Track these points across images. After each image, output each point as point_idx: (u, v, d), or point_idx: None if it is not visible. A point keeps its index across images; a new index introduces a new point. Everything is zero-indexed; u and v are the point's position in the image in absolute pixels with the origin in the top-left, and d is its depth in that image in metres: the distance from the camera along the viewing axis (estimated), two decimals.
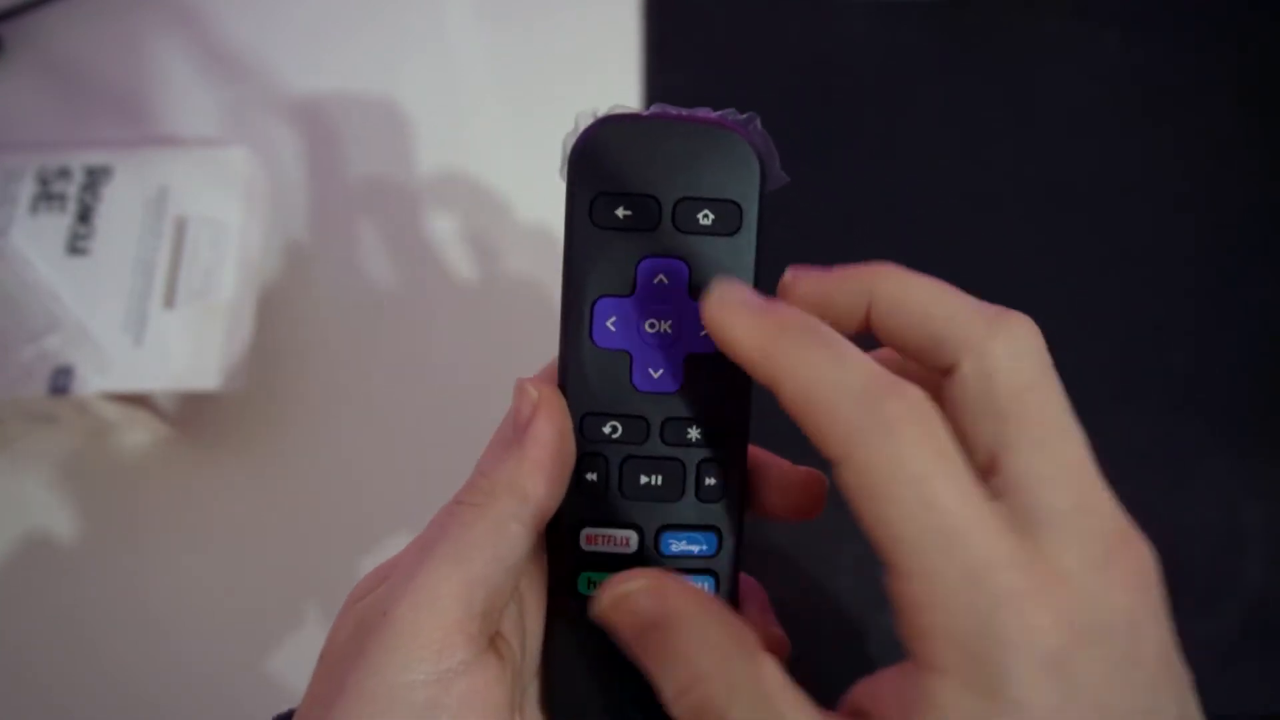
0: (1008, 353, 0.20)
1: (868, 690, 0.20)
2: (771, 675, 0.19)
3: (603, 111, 0.23)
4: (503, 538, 0.22)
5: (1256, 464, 0.46)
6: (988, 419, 0.20)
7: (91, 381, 0.42)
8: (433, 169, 0.52)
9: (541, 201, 0.50)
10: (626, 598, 0.20)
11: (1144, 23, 0.55)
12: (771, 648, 0.22)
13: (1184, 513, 0.45)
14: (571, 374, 0.23)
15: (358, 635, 0.21)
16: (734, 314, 0.21)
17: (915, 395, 0.19)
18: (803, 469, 0.25)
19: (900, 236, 0.51)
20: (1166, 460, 0.46)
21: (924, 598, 0.18)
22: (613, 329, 0.23)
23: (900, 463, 0.18)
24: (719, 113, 0.23)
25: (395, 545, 0.45)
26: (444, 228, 0.50)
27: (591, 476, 0.23)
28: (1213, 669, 0.43)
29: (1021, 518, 0.19)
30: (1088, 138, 0.53)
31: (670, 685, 0.20)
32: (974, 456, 0.20)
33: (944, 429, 0.19)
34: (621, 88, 0.53)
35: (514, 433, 0.23)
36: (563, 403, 0.23)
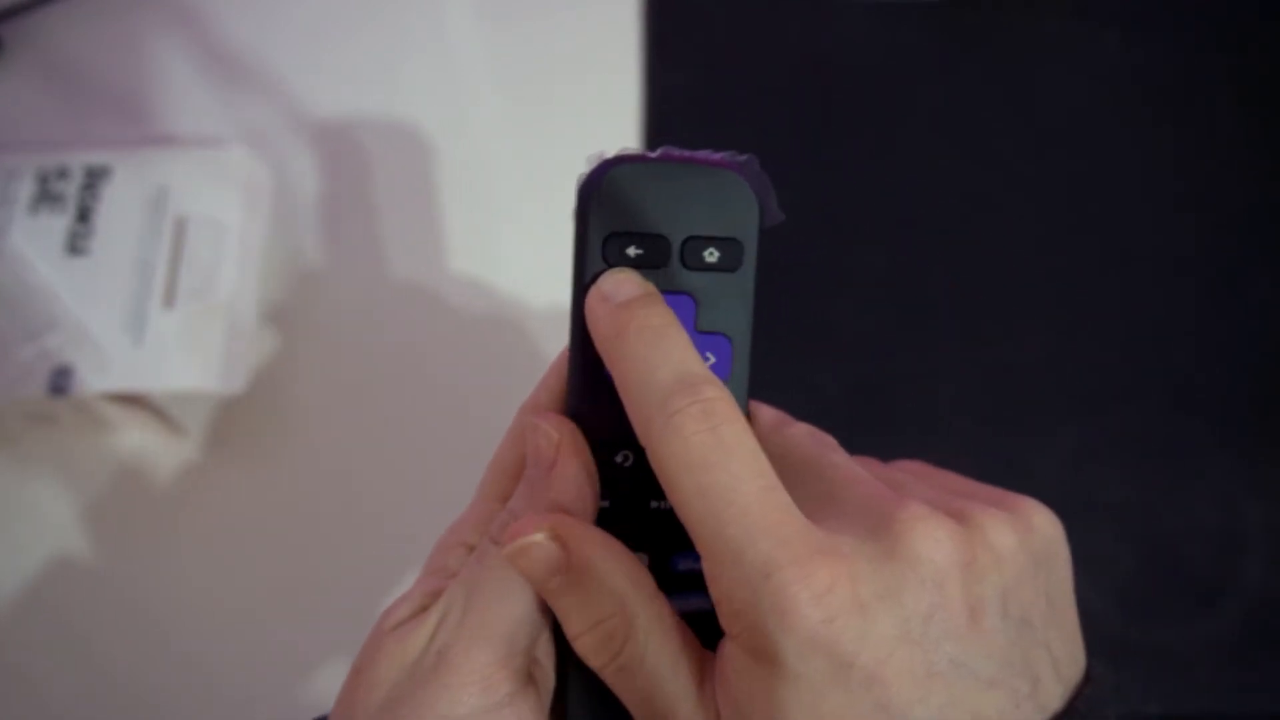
0: (782, 435, 0.25)
1: (716, 659, 0.22)
2: (668, 612, 0.22)
3: (611, 153, 0.24)
4: None
5: (1256, 464, 0.46)
6: (782, 476, 0.22)
7: (91, 381, 0.42)
8: (433, 169, 0.52)
9: (542, 201, 0.50)
10: (530, 547, 0.22)
11: (1144, 23, 0.55)
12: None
13: (1184, 513, 0.45)
14: (583, 403, 0.24)
15: (413, 671, 0.22)
16: (599, 304, 0.23)
17: (706, 394, 0.21)
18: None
19: (900, 236, 0.51)
20: (1166, 460, 0.46)
21: (709, 571, 0.20)
22: None
23: (681, 452, 0.20)
24: (720, 154, 0.25)
25: (393, 546, 0.46)
26: (444, 228, 0.50)
27: (605, 503, 0.24)
28: (1213, 669, 0.43)
29: (811, 509, 0.21)
30: (1088, 138, 0.53)
31: (576, 623, 0.22)
32: None
33: (732, 425, 0.21)
34: (621, 88, 0.53)
35: (538, 472, 0.24)
36: (583, 442, 0.24)
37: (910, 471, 0.26)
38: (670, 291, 0.24)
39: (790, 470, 0.22)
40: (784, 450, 0.24)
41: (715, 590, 0.20)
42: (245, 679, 0.44)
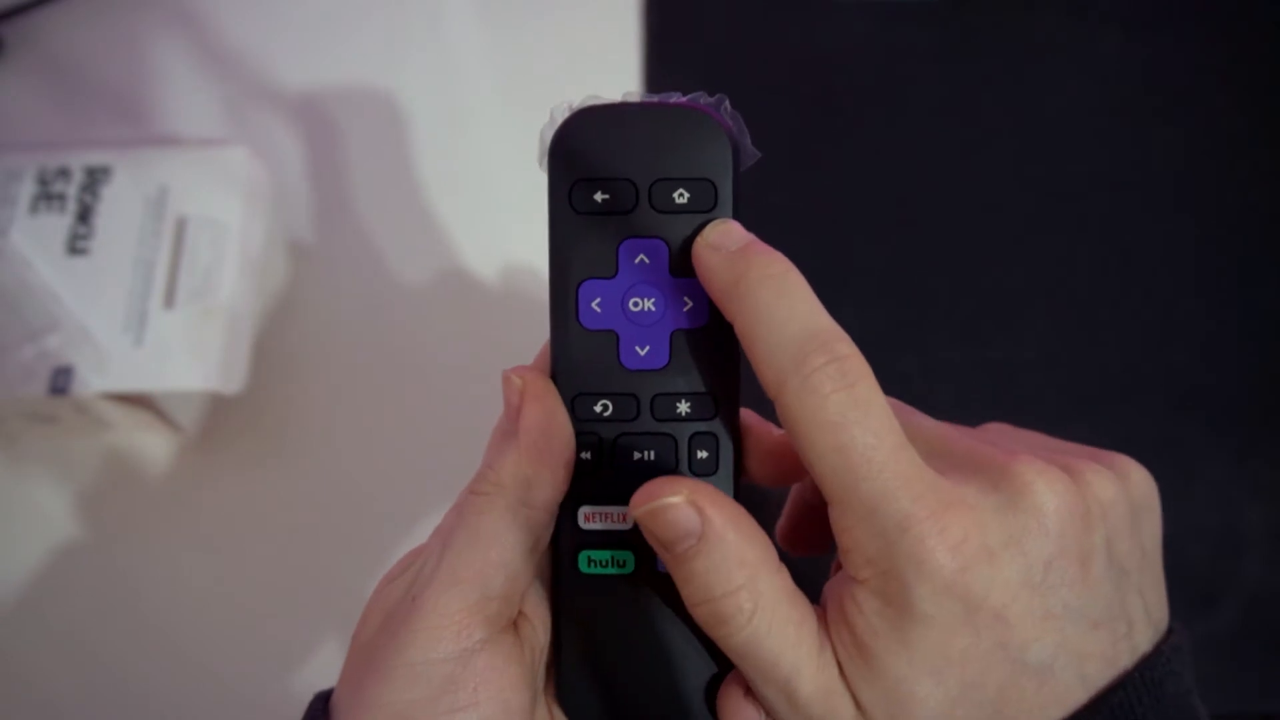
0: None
1: (829, 591, 0.23)
2: (791, 588, 0.22)
3: (577, 103, 0.24)
4: (515, 523, 0.23)
5: (1256, 464, 0.46)
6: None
7: (91, 381, 0.42)
8: (433, 168, 0.52)
9: (542, 200, 0.50)
10: (665, 510, 0.21)
11: (1144, 22, 0.55)
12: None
13: (1184, 513, 0.45)
14: (561, 357, 0.24)
15: (387, 620, 0.23)
16: (711, 254, 0.23)
17: (842, 350, 0.21)
18: (780, 434, 0.25)
19: (900, 236, 0.51)
20: (1166, 460, 0.46)
21: (841, 521, 0.21)
22: (598, 310, 0.24)
23: (817, 410, 0.21)
24: (689, 96, 0.24)
25: (394, 543, 0.46)
26: (444, 227, 0.50)
27: (586, 455, 0.24)
28: (1213, 669, 0.43)
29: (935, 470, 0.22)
30: (1087, 137, 0.53)
31: (698, 590, 0.22)
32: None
33: (866, 382, 0.21)
34: (621, 88, 0.53)
35: (508, 422, 0.24)
36: (549, 385, 0.24)
37: (997, 431, 0.27)
38: (641, 236, 0.23)
39: None
40: None
41: (845, 539, 0.21)
42: (245, 677, 0.44)
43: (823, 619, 0.22)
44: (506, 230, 0.50)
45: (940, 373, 0.48)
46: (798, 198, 0.50)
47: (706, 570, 0.21)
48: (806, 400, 0.21)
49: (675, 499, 0.21)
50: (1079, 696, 0.21)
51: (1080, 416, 0.47)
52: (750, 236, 0.23)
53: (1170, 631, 0.23)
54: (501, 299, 0.49)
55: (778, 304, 0.22)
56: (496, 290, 0.50)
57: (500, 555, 0.23)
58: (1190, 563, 0.45)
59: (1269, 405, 0.48)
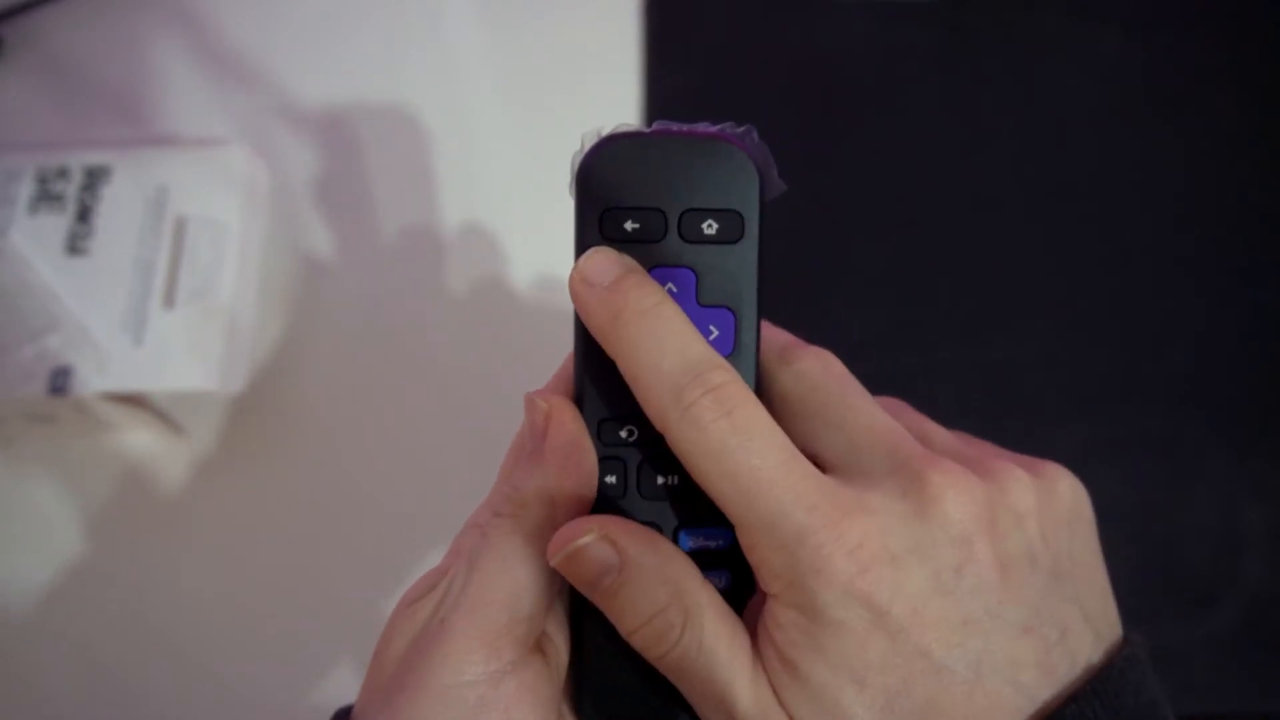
0: (792, 373, 0.24)
1: (751, 611, 0.23)
2: (717, 600, 0.22)
3: (607, 130, 0.24)
4: (541, 545, 0.23)
5: (1256, 464, 0.46)
6: (799, 423, 0.23)
7: (91, 382, 0.42)
8: (433, 168, 0.52)
9: (543, 201, 0.50)
10: (580, 551, 0.22)
11: (1144, 22, 0.55)
12: None
13: (1184, 513, 0.45)
14: (587, 382, 0.24)
15: (418, 641, 0.23)
16: (585, 290, 0.23)
17: (716, 379, 0.21)
18: None
19: (900, 237, 0.51)
20: (1166, 460, 0.46)
21: (746, 541, 0.22)
22: None
23: (701, 441, 0.21)
24: (718, 126, 0.24)
25: (396, 545, 0.45)
26: (444, 227, 0.50)
27: (610, 479, 0.24)
28: (1212, 668, 0.43)
29: (842, 474, 0.22)
30: (1088, 137, 0.53)
31: (630, 619, 0.22)
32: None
33: (745, 408, 0.21)
34: (622, 88, 0.53)
35: (533, 444, 0.24)
36: (573, 410, 0.24)
37: (935, 434, 0.26)
38: (670, 266, 0.24)
39: (809, 415, 0.23)
40: (800, 391, 0.24)
41: (752, 558, 0.21)
42: (245, 678, 0.44)
43: (753, 641, 0.22)
44: (506, 230, 0.50)
45: (940, 373, 0.48)
46: (797, 198, 0.50)
47: (633, 597, 0.22)
48: (689, 433, 0.21)
49: (586, 539, 0.22)
50: (1019, 705, 0.21)
51: (1080, 416, 0.47)
52: (625, 267, 0.23)
53: (1125, 642, 0.23)
54: (501, 299, 0.49)
55: (651, 340, 0.22)
56: (496, 290, 0.50)
57: (527, 577, 0.23)
58: (1190, 563, 0.45)
59: (1269, 405, 0.48)
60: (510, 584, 0.23)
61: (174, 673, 0.44)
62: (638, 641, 0.22)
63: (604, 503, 0.24)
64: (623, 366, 0.22)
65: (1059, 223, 0.51)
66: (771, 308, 0.24)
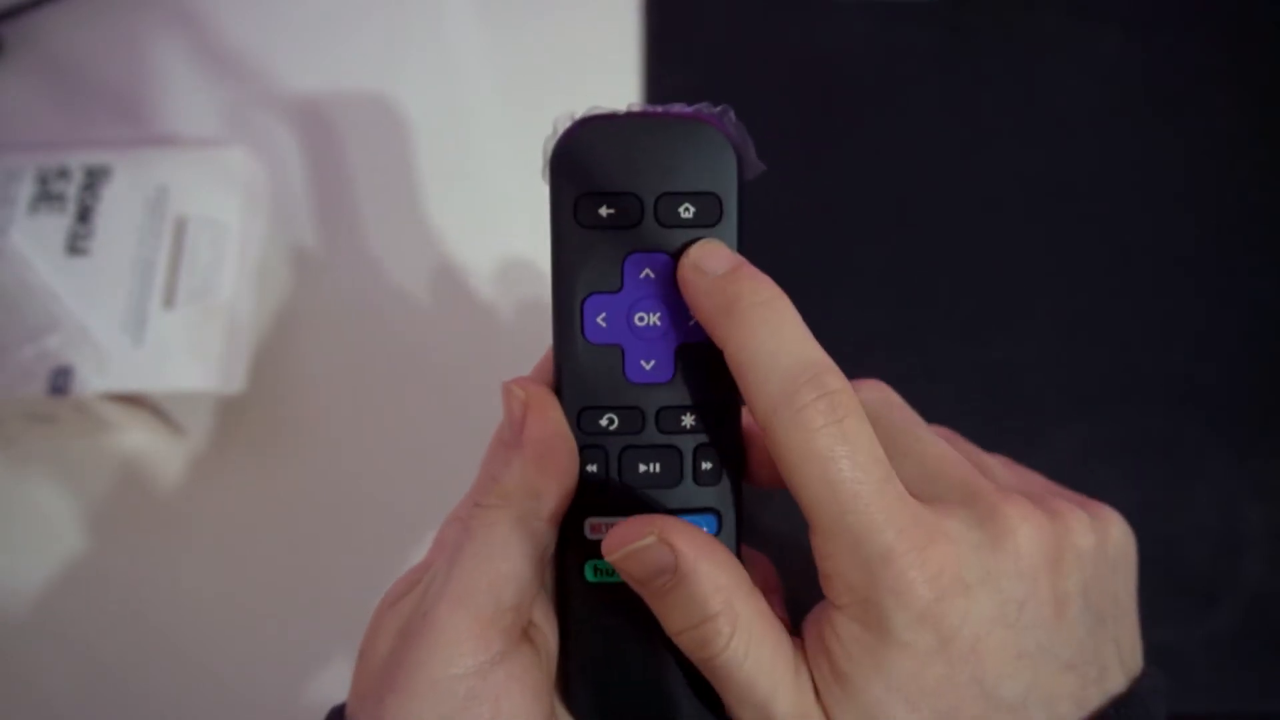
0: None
1: (809, 619, 0.23)
2: (766, 611, 0.22)
3: (580, 113, 0.24)
4: (524, 535, 0.23)
5: (1256, 464, 0.46)
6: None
7: (91, 382, 0.42)
8: (433, 168, 0.52)
9: (542, 201, 0.50)
10: (640, 552, 0.22)
11: (1144, 21, 0.55)
12: None
13: (1184, 513, 0.45)
14: (567, 371, 0.24)
15: (403, 636, 0.23)
16: (699, 278, 0.23)
17: (832, 384, 0.21)
18: None
19: (900, 237, 0.51)
20: (1166, 460, 0.46)
21: (824, 549, 0.22)
22: (603, 325, 0.24)
23: (806, 443, 0.21)
24: (693, 107, 0.24)
25: (396, 544, 0.46)
26: (444, 227, 0.50)
27: (592, 468, 0.24)
28: (1213, 669, 0.43)
29: (923, 497, 0.22)
30: (1088, 137, 0.53)
31: (678, 621, 0.22)
32: None
33: (854, 417, 0.22)
34: (621, 88, 0.53)
35: (512, 434, 0.24)
36: (551, 397, 0.24)
37: (998, 464, 0.27)
38: (647, 250, 0.23)
39: (880, 443, 0.23)
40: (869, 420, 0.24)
41: (825, 565, 0.22)
42: (245, 678, 0.44)
43: (800, 646, 0.23)
44: (506, 230, 0.51)
45: (940, 373, 0.48)
46: (797, 198, 0.50)
47: (684, 601, 0.22)
48: (796, 433, 0.21)
49: (648, 540, 0.22)
50: None
51: (1080, 416, 0.47)
52: (738, 259, 0.23)
53: (1144, 674, 0.24)
54: (501, 299, 0.49)
55: (769, 333, 0.22)
56: (496, 290, 0.50)
57: (511, 567, 0.23)
58: (1190, 563, 0.45)
59: (1269, 405, 0.48)
60: (495, 574, 0.23)
61: (174, 673, 0.44)
62: (683, 642, 0.22)
63: (585, 491, 0.24)
64: (734, 355, 0.22)
65: (1059, 223, 0.51)
66: None
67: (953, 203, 0.51)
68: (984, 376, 0.48)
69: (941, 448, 0.24)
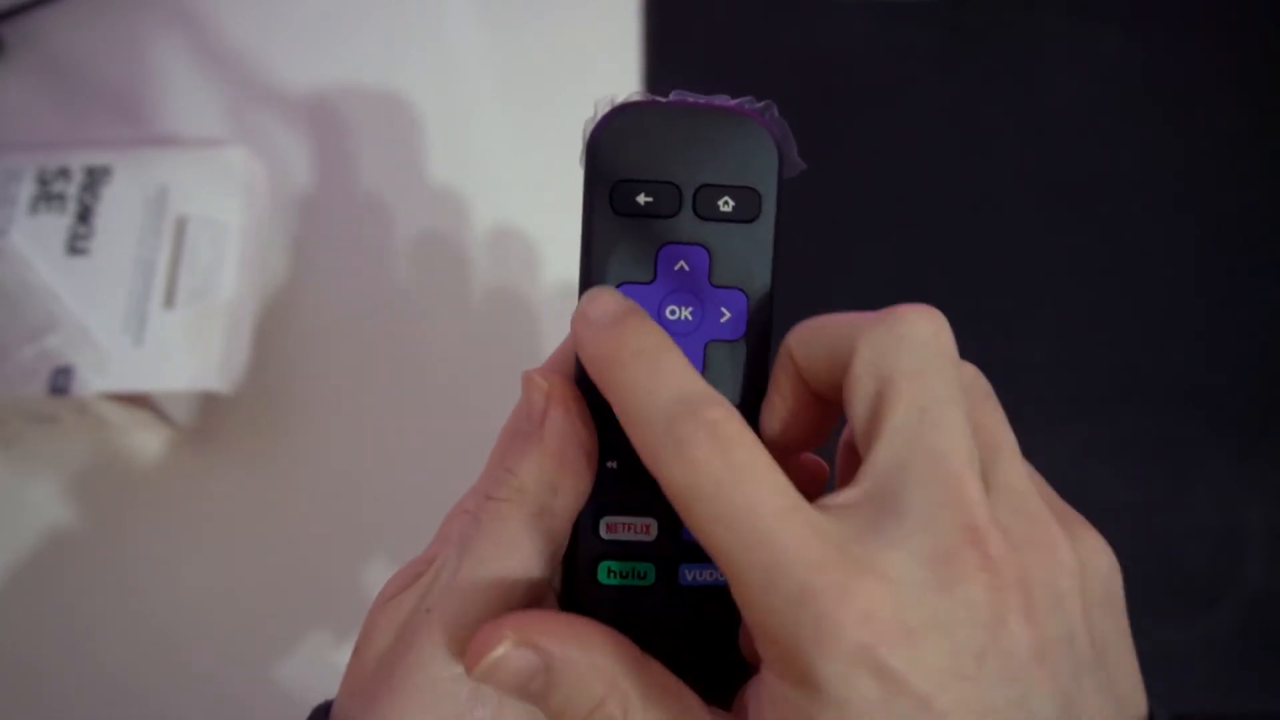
0: (889, 340, 0.20)
1: (749, 686, 0.21)
2: (661, 681, 0.20)
3: (621, 98, 0.23)
4: (538, 531, 0.22)
5: (1256, 464, 0.46)
6: (864, 408, 0.20)
7: (91, 382, 0.42)
8: (433, 168, 0.52)
9: (543, 200, 0.50)
10: (500, 662, 0.20)
11: (1144, 22, 0.55)
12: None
13: (1184, 513, 0.45)
14: None
15: (403, 632, 0.22)
16: (584, 330, 0.21)
17: (711, 416, 0.19)
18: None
19: (901, 237, 0.51)
20: (1166, 460, 0.46)
21: (739, 598, 0.19)
22: None
23: (693, 483, 0.19)
24: (737, 100, 0.24)
25: (395, 545, 0.45)
26: (444, 226, 0.50)
27: (611, 464, 0.23)
28: (1213, 669, 0.43)
29: (872, 508, 0.19)
30: (1088, 137, 0.53)
31: (571, 718, 0.20)
32: (860, 449, 0.20)
33: (742, 445, 0.19)
34: (621, 88, 0.53)
35: (530, 426, 0.23)
36: (574, 391, 0.23)
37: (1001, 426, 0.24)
38: (682, 243, 0.23)
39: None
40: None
41: (748, 618, 0.19)
42: (245, 677, 0.44)
43: (712, 712, 0.21)
44: (507, 230, 0.50)
45: None
46: (798, 198, 0.50)
47: (567, 697, 0.20)
48: (680, 470, 0.19)
49: (502, 649, 0.20)
50: None
51: (1080, 416, 0.47)
52: (627, 307, 0.21)
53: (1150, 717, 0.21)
54: (502, 298, 0.49)
55: (647, 378, 0.20)
56: (496, 290, 0.50)
57: (522, 563, 0.22)
58: (1190, 563, 0.45)
59: (1269, 405, 0.48)
60: (506, 571, 0.21)
61: (174, 670, 0.44)
62: None
63: (602, 489, 0.23)
64: (615, 404, 0.21)
65: (1059, 222, 0.51)
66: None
67: (953, 203, 0.51)
68: (984, 376, 0.48)
69: (921, 458, 0.20)
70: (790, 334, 0.23)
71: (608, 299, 0.22)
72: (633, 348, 0.21)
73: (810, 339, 0.22)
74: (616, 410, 0.21)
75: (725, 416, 0.19)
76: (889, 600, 0.18)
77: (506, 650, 0.20)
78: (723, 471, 0.19)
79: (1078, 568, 0.20)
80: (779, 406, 0.23)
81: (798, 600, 0.18)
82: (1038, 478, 0.22)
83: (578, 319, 0.22)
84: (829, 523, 0.19)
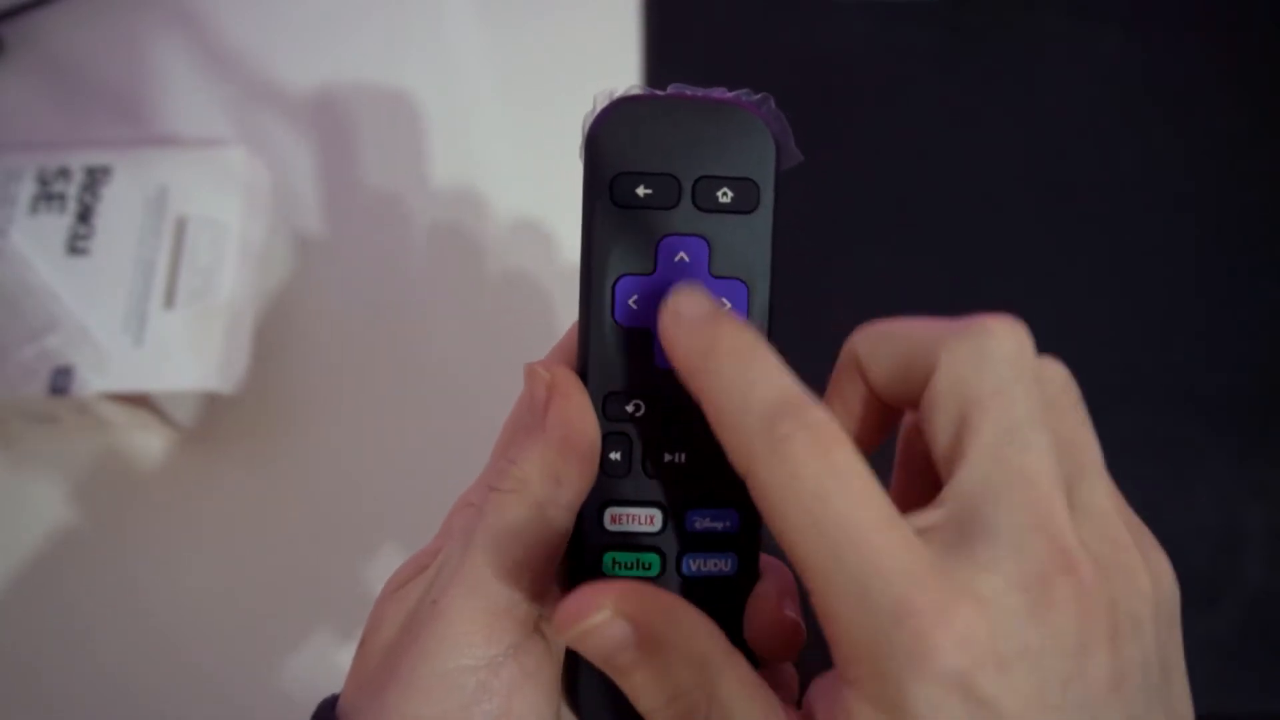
0: (973, 357, 0.20)
1: (816, 689, 0.20)
2: (747, 678, 0.20)
3: (620, 92, 0.23)
4: (542, 522, 0.22)
5: (1256, 464, 0.46)
6: (948, 426, 0.20)
7: (91, 382, 0.42)
8: (433, 168, 0.52)
9: (543, 199, 0.50)
10: (595, 630, 0.20)
11: (1144, 22, 0.55)
12: (785, 633, 0.23)
13: (1184, 513, 0.45)
14: (593, 353, 0.23)
15: (409, 624, 0.22)
16: (675, 326, 0.21)
17: (814, 417, 0.19)
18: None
19: (901, 237, 0.51)
20: (1166, 460, 0.46)
21: (826, 609, 0.18)
22: (634, 307, 0.23)
23: (790, 482, 0.18)
24: (734, 93, 0.24)
25: (396, 545, 0.45)
26: (444, 226, 0.50)
27: (615, 455, 0.23)
28: (1213, 669, 0.43)
29: (957, 531, 0.19)
30: (1088, 137, 0.53)
31: (651, 697, 0.20)
32: (940, 469, 0.20)
33: (844, 449, 0.19)
34: (621, 86, 0.53)
35: (533, 417, 0.23)
36: (577, 382, 0.23)
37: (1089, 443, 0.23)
38: (682, 234, 0.23)
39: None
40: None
41: (831, 630, 0.18)
42: (245, 677, 0.44)
43: (794, 714, 0.20)
44: (508, 230, 0.50)
45: None
46: (797, 198, 0.50)
47: (653, 677, 0.20)
48: (777, 471, 0.18)
49: (599, 616, 0.19)
50: None
51: None
52: (717, 305, 0.21)
53: None
54: (502, 297, 0.49)
55: (743, 369, 0.20)
56: (497, 289, 0.50)
57: (527, 555, 0.22)
58: (1190, 563, 0.45)
59: (1269, 405, 0.48)
60: (509, 562, 0.21)
61: (175, 670, 0.44)
62: None
63: (606, 480, 0.23)
64: (707, 401, 0.20)
65: (1059, 223, 0.51)
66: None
67: (953, 203, 0.51)
68: None
69: (1015, 481, 0.19)
70: (855, 339, 0.22)
71: (699, 296, 0.21)
72: (728, 345, 0.20)
73: (880, 348, 0.22)
74: (707, 408, 0.20)
75: (827, 419, 0.19)
76: (985, 625, 0.17)
77: (604, 618, 0.20)
78: (824, 474, 0.18)
79: (1153, 593, 0.20)
80: (840, 414, 0.23)
81: (893, 617, 0.17)
82: (1117, 495, 0.22)
83: (667, 315, 0.21)
84: (923, 542, 0.18)
